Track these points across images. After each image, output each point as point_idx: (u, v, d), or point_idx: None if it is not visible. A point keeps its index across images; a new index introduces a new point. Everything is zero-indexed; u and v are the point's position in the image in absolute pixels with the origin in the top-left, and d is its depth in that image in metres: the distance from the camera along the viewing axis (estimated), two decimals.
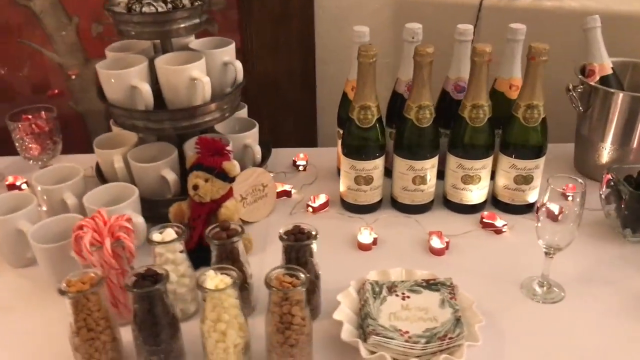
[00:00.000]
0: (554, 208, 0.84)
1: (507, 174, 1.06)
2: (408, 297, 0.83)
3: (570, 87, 1.16)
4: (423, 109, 1.02)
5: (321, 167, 1.26)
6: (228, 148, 1.00)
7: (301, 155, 1.28)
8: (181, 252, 0.83)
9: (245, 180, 1.07)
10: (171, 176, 1.03)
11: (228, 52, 1.07)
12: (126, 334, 0.77)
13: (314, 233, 0.81)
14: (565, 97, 1.16)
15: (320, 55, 1.63)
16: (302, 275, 0.71)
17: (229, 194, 0.99)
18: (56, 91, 1.75)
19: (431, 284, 0.85)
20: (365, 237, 1.01)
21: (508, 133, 1.05)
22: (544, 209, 0.84)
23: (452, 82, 1.11)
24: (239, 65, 1.07)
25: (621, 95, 1.11)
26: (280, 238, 0.80)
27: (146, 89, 0.98)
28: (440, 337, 0.75)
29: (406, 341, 0.75)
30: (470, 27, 1.06)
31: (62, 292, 0.71)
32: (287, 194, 1.16)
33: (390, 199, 1.12)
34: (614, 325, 0.84)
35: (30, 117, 1.11)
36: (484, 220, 1.06)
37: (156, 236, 0.81)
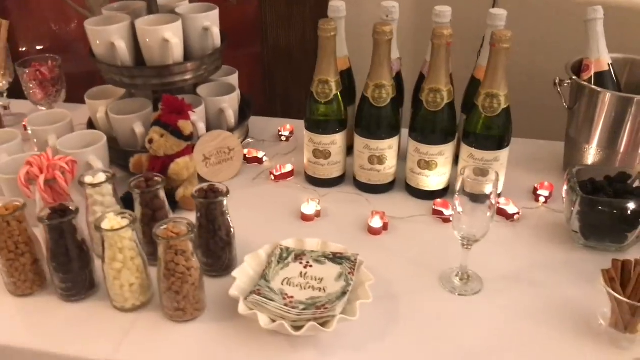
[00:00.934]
0: (468, 198, 0.82)
1: (465, 163, 1.03)
2: (311, 266, 0.85)
3: (557, 81, 1.09)
4: (379, 88, 1.01)
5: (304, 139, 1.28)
6: (195, 110, 1.05)
7: (288, 127, 1.31)
8: (112, 196, 0.90)
9: (211, 141, 1.12)
10: (139, 129, 1.10)
11: (209, 18, 1.12)
12: None
13: (224, 191, 0.85)
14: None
15: None
16: (184, 228, 0.76)
17: (185, 152, 1.04)
18: None
19: (337, 257, 0.86)
20: (308, 208, 1.03)
21: (468, 121, 1.02)
22: (457, 199, 0.82)
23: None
24: (216, 30, 1.12)
25: (608, 94, 1.03)
26: (192, 196, 0.85)
27: (121, 46, 1.06)
28: (317, 306, 0.77)
29: (285, 305, 0.77)
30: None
31: None
32: (258, 160, 1.20)
33: (353, 177, 1.13)
34: (514, 327, 0.80)
35: (37, 64, 1.23)
36: (434, 207, 1.04)
37: (88, 179, 0.89)
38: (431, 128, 1.02)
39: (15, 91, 1.36)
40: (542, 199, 1.07)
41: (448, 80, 1.00)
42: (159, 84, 1.09)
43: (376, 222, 1.00)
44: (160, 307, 0.82)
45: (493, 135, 1.00)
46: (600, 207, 0.90)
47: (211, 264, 0.88)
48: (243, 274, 0.83)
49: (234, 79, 1.28)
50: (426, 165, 1.04)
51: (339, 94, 1.05)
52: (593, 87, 1.05)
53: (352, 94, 1.15)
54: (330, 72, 1.03)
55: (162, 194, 0.89)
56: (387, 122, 1.04)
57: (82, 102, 1.19)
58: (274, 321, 0.75)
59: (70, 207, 0.81)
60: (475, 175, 0.84)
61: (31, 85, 1.22)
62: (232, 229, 0.87)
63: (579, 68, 1.12)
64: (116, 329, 0.80)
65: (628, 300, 0.73)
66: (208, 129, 1.15)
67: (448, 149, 1.04)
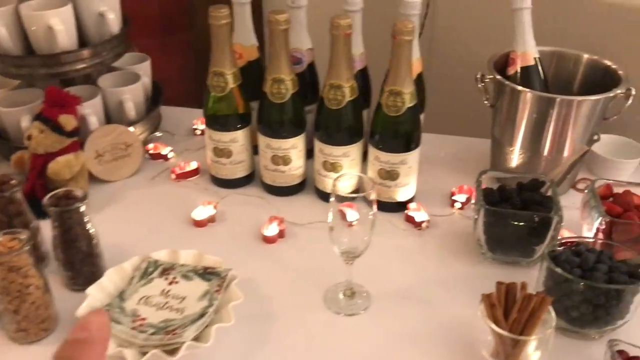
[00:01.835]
0: (346, 210, 0.74)
1: (372, 165, 0.95)
2: (177, 282, 0.77)
3: (478, 76, 1.00)
4: (277, 83, 0.92)
5: None
6: (87, 103, 0.97)
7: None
8: None
9: (104, 136, 1.03)
10: (26, 124, 1.01)
11: (105, 2, 1.03)
12: None
13: (80, 197, 0.77)
14: None
15: None
16: (18, 242, 0.68)
17: (69, 149, 0.96)
18: None
19: (207, 273, 0.78)
20: (200, 212, 0.95)
21: (373, 121, 0.93)
22: (331, 210, 0.74)
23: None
24: (110, 16, 1.03)
25: (529, 94, 0.94)
26: (43, 204, 0.76)
27: (2, 32, 0.97)
28: (167, 331, 0.69)
29: (133, 328, 0.70)
30: None
31: None
32: (163, 157, 1.12)
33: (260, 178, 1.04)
34: (392, 353, 0.73)
35: None
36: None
37: None
38: (335, 127, 0.94)
39: None
40: (457, 205, 0.99)
41: (351, 75, 0.91)
42: (46, 74, 1.00)
43: (271, 230, 0.92)
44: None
45: (398, 136, 0.91)
46: (502, 219, 0.82)
47: (72, 277, 0.80)
48: (100, 290, 0.75)
49: (145, 66, 1.19)
50: (331, 167, 0.96)
51: (236, 87, 0.96)
52: (513, 85, 0.96)
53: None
54: (225, 64, 0.94)
55: (19, 198, 0.80)
56: (287, 120, 0.95)
57: None
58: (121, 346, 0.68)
59: None
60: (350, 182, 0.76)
61: None
62: (94, 239, 0.80)
63: (506, 61, 1.03)
64: None
65: (507, 334, 0.65)
66: (109, 123, 1.07)
67: (354, 150, 0.95)
